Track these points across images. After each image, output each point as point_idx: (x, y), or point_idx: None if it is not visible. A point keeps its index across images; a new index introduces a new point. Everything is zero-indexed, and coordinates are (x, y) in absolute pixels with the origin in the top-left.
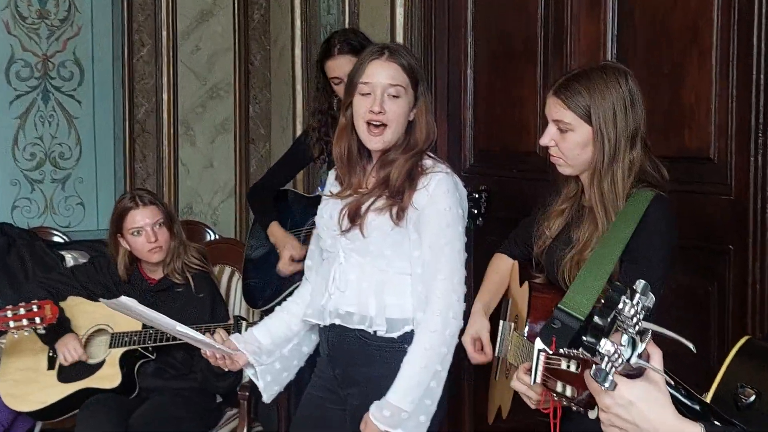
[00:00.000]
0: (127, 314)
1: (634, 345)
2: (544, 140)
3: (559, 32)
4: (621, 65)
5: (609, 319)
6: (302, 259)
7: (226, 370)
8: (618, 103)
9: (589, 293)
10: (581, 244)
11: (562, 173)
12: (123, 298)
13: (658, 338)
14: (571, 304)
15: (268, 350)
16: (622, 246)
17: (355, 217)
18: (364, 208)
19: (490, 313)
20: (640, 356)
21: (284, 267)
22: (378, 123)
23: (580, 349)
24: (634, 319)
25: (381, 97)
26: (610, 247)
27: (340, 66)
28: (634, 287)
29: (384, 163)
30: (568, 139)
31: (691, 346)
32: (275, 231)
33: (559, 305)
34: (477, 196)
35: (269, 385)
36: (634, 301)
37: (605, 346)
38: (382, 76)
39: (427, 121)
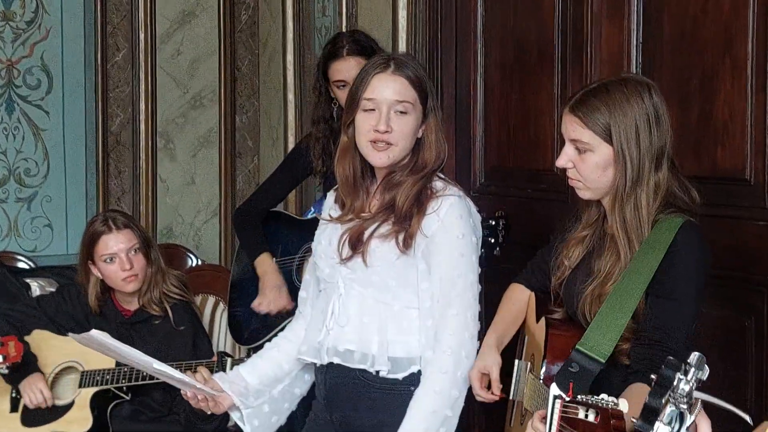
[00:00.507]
0: (98, 350)
1: (682, 419)
2: (561, 162)
3: (578, 38)
4: (644, 78)
5: (663, 401)
6: (281, 312)
7: (209, 413)
8: (641, 119)
9: (610, 333)
10: (603, 276)
11: (581, 197)
12: (94, 332)
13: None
14: (591, 345)
15: (255, 391)
16: (647, 279)
17: (356, 243)
18: (367, 234)
19: (503, 347)
20: (688, 429)
21: (260, 305)
22: (383, 143)
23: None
24: (688, 396)
25: (387, 115)
26: (634, 280)
27: (348, 68)
28: (689, 361)
29: (389, 185)
30: (587, 160)
31: (747, 418)
32: (265, 264)
33: (577, 346)
34: (493, 223)
35: (257, 430)
36: (689, 377)
37: (659, 430)
38: (387, 91)
39: (437, 139)
